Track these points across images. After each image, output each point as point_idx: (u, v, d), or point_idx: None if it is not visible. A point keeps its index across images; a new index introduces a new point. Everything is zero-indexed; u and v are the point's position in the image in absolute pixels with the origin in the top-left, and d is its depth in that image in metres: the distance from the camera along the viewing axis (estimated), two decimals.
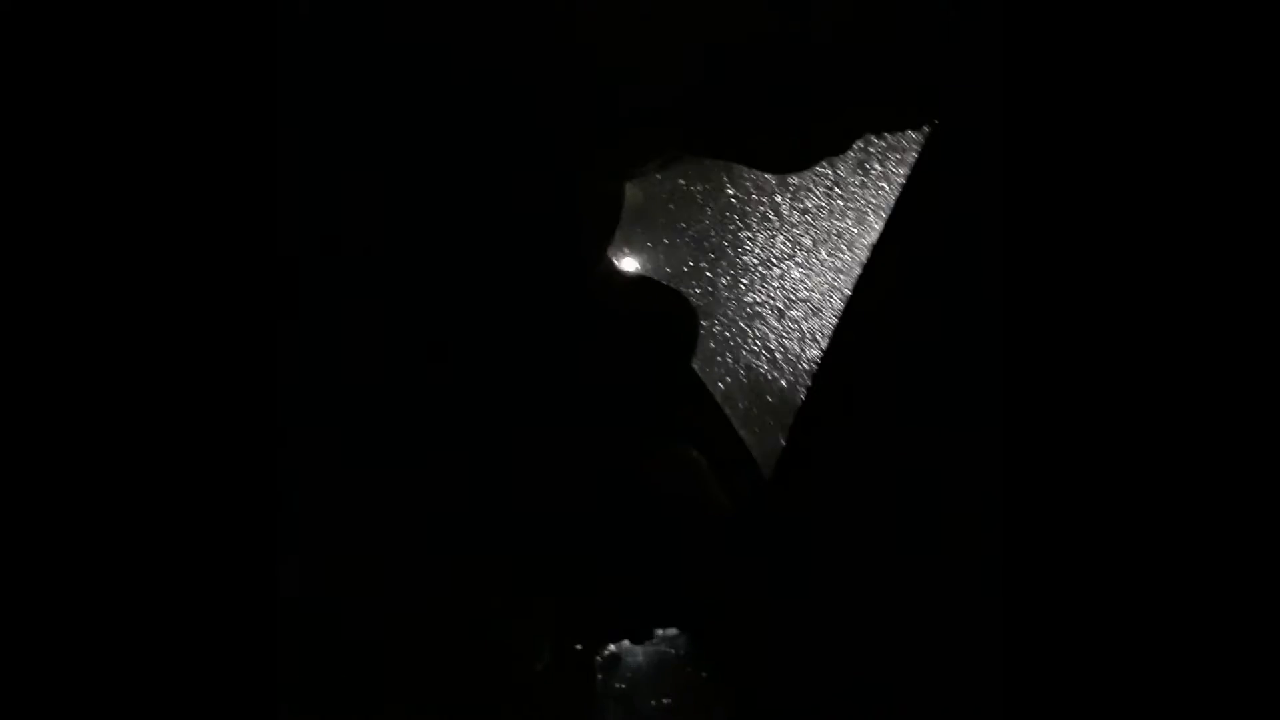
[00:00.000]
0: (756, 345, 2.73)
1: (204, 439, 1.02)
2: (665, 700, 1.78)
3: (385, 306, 1.55)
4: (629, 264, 2.83)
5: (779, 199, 2.83)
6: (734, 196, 2.72)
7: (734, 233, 2.91)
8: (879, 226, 1.25)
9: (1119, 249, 0.97)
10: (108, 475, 0.98)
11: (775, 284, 2.83)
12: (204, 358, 1.04)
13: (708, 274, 2.85)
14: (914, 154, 1.24)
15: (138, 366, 1.02)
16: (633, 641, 1.86)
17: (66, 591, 0.96)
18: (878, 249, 1.27)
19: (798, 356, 2.71)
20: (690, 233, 2.93)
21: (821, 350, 1.70)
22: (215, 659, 0.97)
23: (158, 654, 0.95)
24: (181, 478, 1.00)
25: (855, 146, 1.67)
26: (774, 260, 2.89)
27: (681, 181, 2.69)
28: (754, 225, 2.97)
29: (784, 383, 2.60)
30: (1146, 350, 0.97)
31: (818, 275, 2.84)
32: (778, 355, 2.69)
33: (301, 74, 1.31)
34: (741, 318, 2.82)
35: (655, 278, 2.64)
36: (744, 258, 2.88)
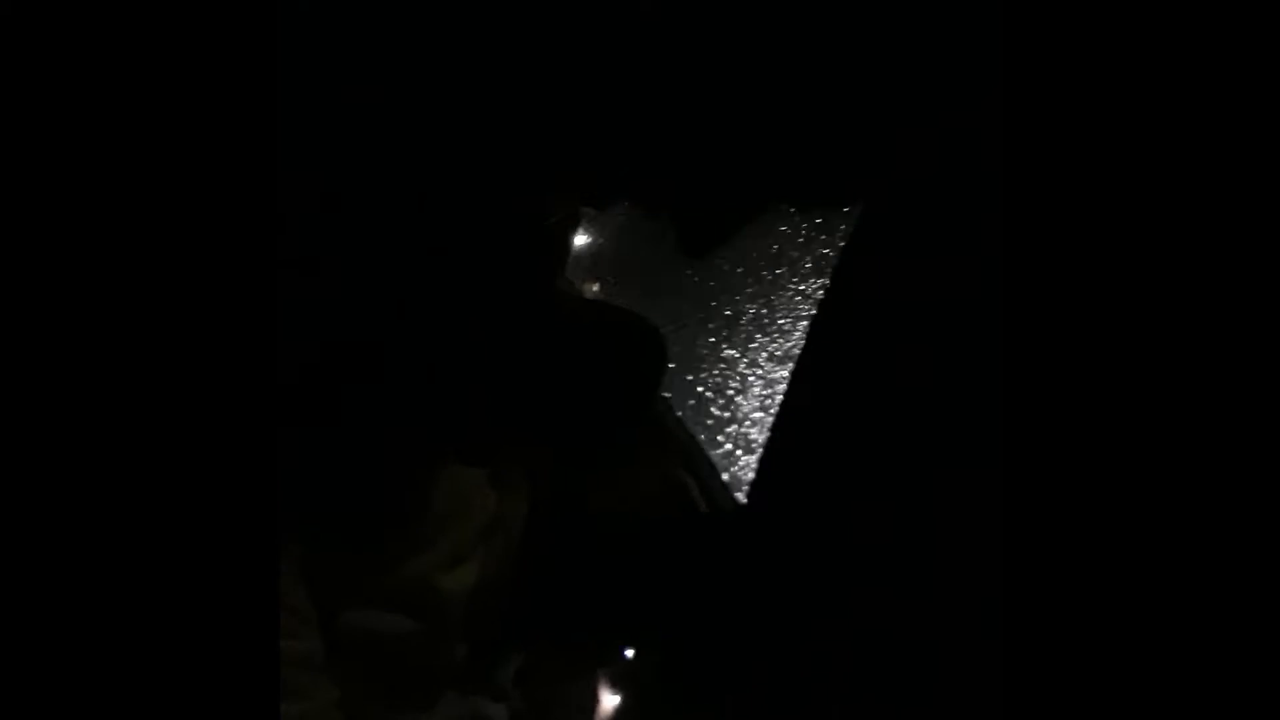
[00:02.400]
0: (736, 353, 2.72)
1: (203, 437, 0.98)
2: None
3: (353, 324, 1.54)
4: (596, 283, 2.83)
5: None
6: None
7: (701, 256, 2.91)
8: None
9: (1119, 247, 0.97)
10: (104, 473, 0.95)
11: (748, 293, 2.83)
12: (203, 356, 1.01)
13: (679, 286, 2.84)
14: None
15: (136, 364, 0.99)
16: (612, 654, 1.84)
17: (67, 592, 0.92)
18: (861, 239, 1.27)
19: (784, 356, 2.71)
20: (658, 247, 2.93)
21: (801, 350, 1.71)
22: (215, 659, 0.94)
23: (158, 653, 0.91)
24: (180, 476, 0.96)
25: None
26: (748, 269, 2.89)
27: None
28: None
29: (763, 386, 2.60)
30: (1147, 350, 0.97)
31: (797, 276, 2.83)
32: (759, 360, 2.68)
33: (301, 74, 1.29)
34: (715, 323, 2.81)
35: (624, 294, 2.63)
36: (717, 262, 2.87)
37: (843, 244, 1.43)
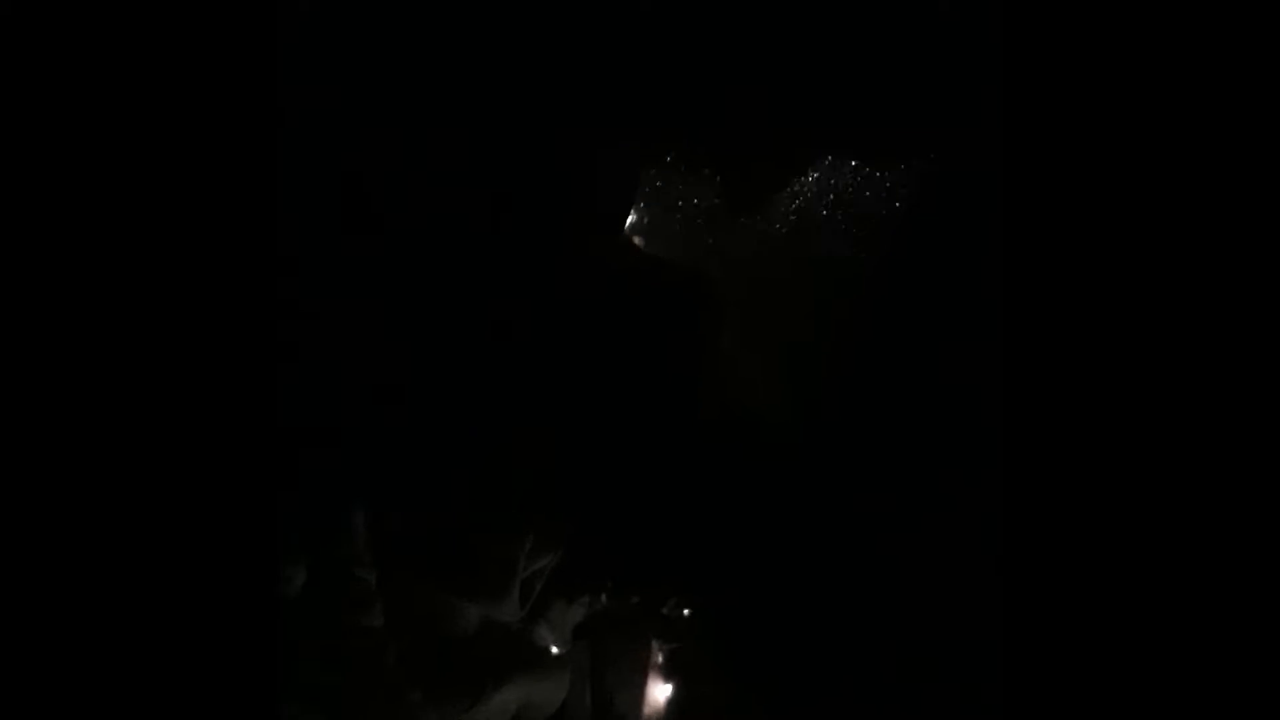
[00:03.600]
0: (773, 320, 2.70)
1: (204, 440, 1.02)
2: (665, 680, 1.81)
3: (405, 290, 1.55)
4: (651, 241, 2.82)
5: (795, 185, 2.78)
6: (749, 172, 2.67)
7: (752, 207, 2.87)
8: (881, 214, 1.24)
9: (1118, 249, 0.94)
10: (107, 475, 0.99)
11: (789, 258, 2.80)
12: (205, 355, 1.04)
13: (727, 249, 2.83)
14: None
15: (140, 362, 1.02)
16: (636, 618, 1.89)
17: (69, 596, 0.97)
18: (882, 253, 1.27)
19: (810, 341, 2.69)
20: (703, 207, 2.90)
21: (831, 334, 1.71)
22: (216, 660, 0.98)
23: (160, 655, 0.96)
24: (183, 479, 1.01)
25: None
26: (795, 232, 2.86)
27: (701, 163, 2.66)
28: (778, 202, 2.92)
29: (800, 367, 2.59)
30: (1146, 350, 0.95)
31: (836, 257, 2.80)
32: (793, 334, 2.66)
33: (305, 69, 1.31)
34: (762, 291, 2.80)
35: (677, 252, 2.63)
36: (764, 228, 2.85)
37: (880, 215, 1.41)
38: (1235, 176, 0.85)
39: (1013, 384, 0.98)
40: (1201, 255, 0.86)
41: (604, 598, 2.02)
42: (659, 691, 2.00)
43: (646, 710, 1.98)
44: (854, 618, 1.37)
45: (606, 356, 1.74)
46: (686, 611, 2.02)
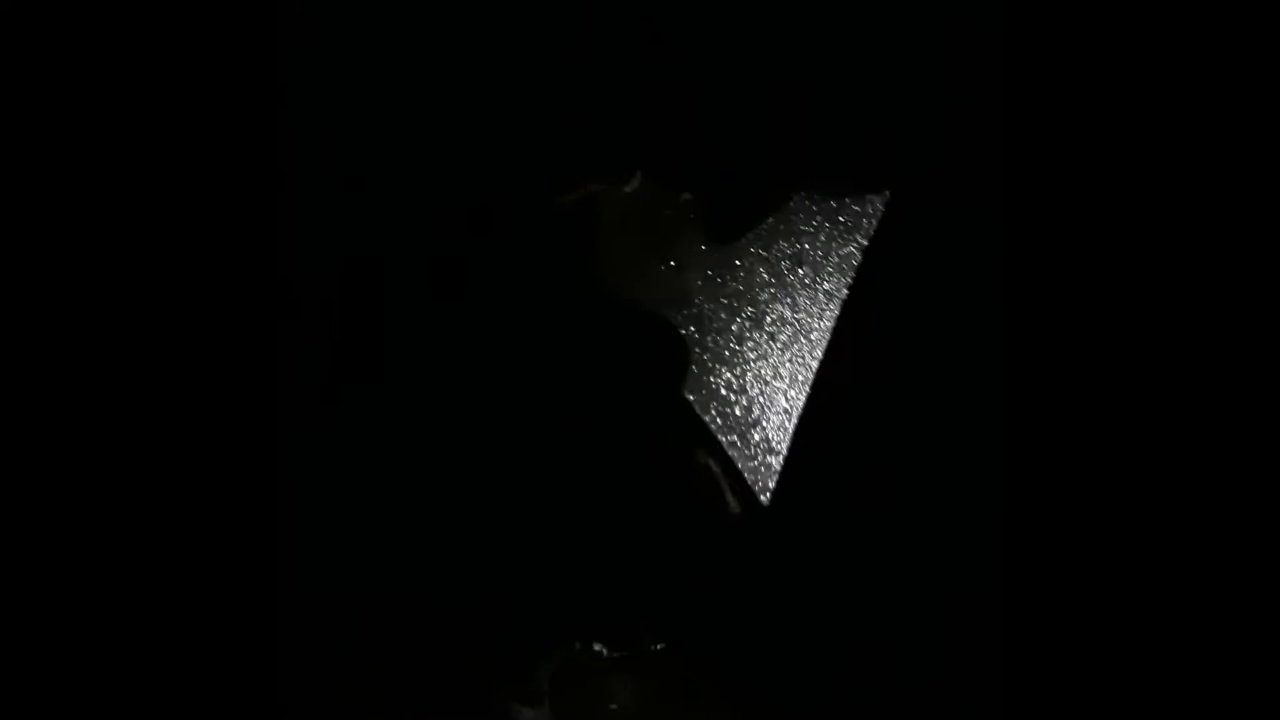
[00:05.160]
0: (751, 355, 2.71)
1: (206, 449, 1.01)
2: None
3: (383, 317, 1.54)
4: (618, 282, 2.80)
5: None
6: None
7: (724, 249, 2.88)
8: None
9: (1118, 252, 0.97)
10: (108, 481, 0.97)
11: (767, 295, 2.82)
12: (205, 362, 1.02)
13: (698, 293, 2.83)
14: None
15: (140, 371, 1.00)
16: (631, 650, 1.85)
17: (73, 604, 0.94)
18: (874, 252, 1.29)
19: (799, 364, 2.69)
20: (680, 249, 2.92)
21: (819, 359, 1.73)
22: (217, 671, 0.96)
23: (161, 665, 0.93)
24: (184, 489, 0.99)
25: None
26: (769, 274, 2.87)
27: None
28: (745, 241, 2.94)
29: (782, 391, 2.59)
30: (1146, 351, 0.97)
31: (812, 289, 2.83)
32: (775, 364, 2.68)
33: (302, 73, 1.31)
34: (732, 333, 2.80)
35: (644, 296, 2.62)
36: (734, 268, 2.86)
37: (866, 243, 1.44)
38: (1239, 181, 0.89)
39: (1012, 387, 1.00)
40: (1203, 259, 0.90)
41: (575, 647, 1.95)
42: None
43: None
44: (849, 635, 1.36)
45: (578, 390, 1.72)
46: (665, 649, 1.96)
